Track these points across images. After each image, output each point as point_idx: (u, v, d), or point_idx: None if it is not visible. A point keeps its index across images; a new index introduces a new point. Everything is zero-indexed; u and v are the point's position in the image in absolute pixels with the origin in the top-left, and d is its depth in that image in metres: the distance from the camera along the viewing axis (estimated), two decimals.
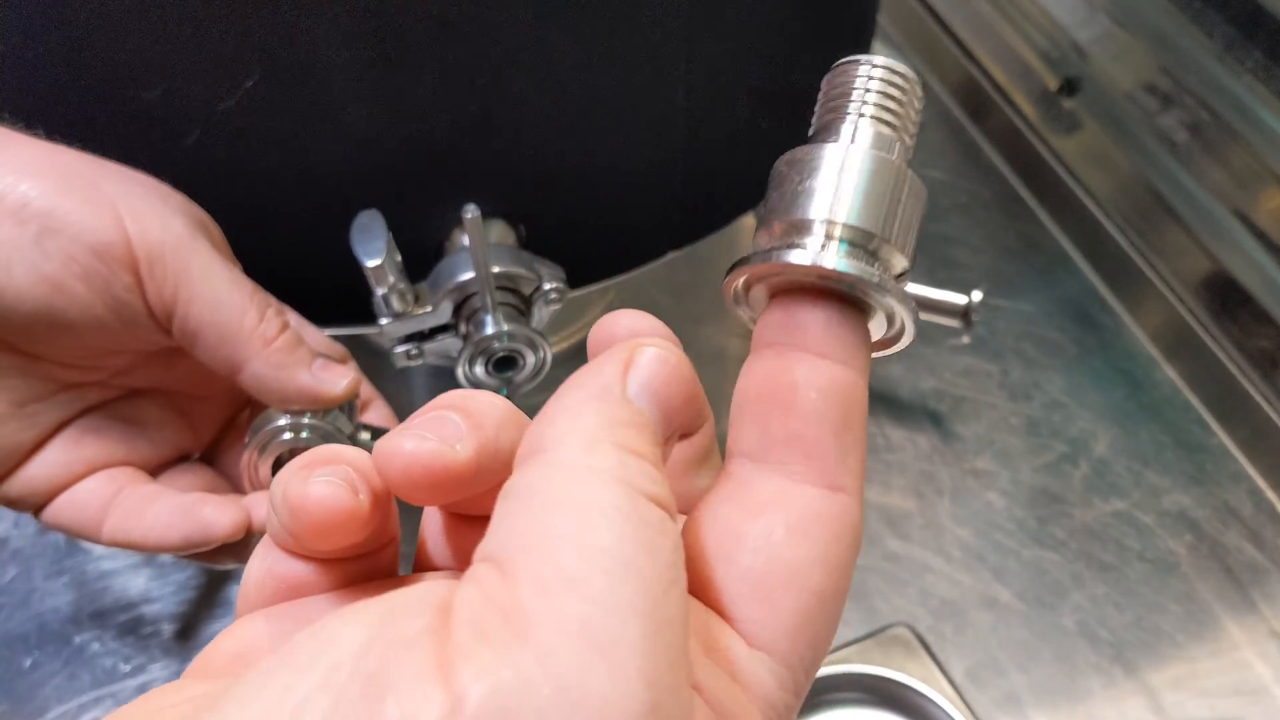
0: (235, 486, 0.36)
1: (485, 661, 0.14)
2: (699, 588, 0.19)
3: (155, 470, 0.34)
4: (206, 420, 0.36)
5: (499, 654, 0.14)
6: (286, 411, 0.34)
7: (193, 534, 0.31)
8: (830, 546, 0.19)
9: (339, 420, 0.35)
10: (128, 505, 0.31)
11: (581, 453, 0.17)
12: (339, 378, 0.33)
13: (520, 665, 0.14)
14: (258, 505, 0.33)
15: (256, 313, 0.31)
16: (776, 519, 0.19)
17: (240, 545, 0.33)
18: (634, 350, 0.19)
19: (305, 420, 0.34)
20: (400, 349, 0.39)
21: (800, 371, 0.19)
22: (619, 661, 0.14)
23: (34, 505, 0.32)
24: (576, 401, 0.18)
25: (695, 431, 0.22)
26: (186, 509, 0.31)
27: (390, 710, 0.14)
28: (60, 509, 0.32)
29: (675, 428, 0.19)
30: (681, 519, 0.20)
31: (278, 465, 0.35)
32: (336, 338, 0.43)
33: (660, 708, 0.14)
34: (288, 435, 0.34)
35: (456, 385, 0.40)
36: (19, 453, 0.31)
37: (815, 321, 0.20)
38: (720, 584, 0.18)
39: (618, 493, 0.16)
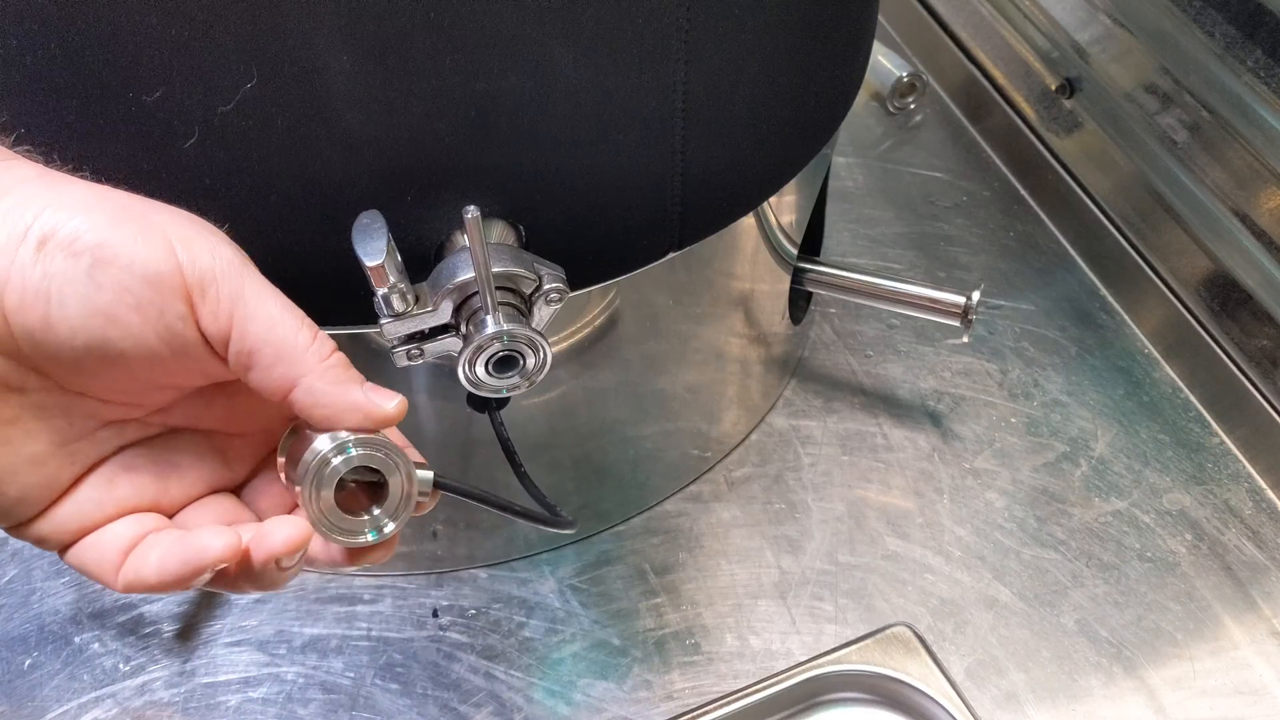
0: (260, 518, 0.35)
1: None
2: None
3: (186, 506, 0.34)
4: (242, 457, 0.36)
5: None
6: (315, 441, 0.32)
7: (189, 558, 0.30)
8: None
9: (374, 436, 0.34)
10: (141, 549, 0.31)
11: None
12: (389, 398, 0.33)
13: None
14: (267, 533, 0.32)
15: (310, 332, 0.31)
16: None
17: (249, 571, 0.32)
18: None
19: (344, 437, 0.32)
20: (400, 349, 0.39)
21: None
22: None
23: (60, 545, 0.32)
24: None
25: None
26: (182, 538, 0.31)
27: None
28: (84, 551, 0.31)
29: None
30: None
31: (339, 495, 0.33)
32: (336, 338, 0.43)
33: None
34: (336, 460, 0.32)
35: (457, 385, 0.40)
36: (56, 491, 0.31)
37: None
38: None
39: None
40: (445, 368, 0.41)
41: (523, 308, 0.40)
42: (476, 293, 0.38)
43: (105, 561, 0.31)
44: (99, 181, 0.30)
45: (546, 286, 0.40)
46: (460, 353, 0.39)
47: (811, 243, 0.63)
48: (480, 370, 0.40)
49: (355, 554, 0.34)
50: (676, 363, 0.54)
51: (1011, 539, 0.58)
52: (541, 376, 0.41)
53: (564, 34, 0.36)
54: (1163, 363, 0.67)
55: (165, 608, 0.54)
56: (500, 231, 0.40)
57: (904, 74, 0.81)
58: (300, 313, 0.32)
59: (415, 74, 0.35)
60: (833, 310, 0.69)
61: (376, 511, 0.33)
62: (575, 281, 0.41)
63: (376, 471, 0.33)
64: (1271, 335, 0.61)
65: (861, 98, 0.83)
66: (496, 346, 0.39)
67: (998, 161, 0.79)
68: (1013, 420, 0.64)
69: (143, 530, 0.32)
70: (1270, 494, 0.60)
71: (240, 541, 0.31)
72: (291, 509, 0.35)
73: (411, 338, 0.39)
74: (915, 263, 0.72)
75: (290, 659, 0.52)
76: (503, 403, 0.43)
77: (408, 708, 0.51)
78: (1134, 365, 0.67)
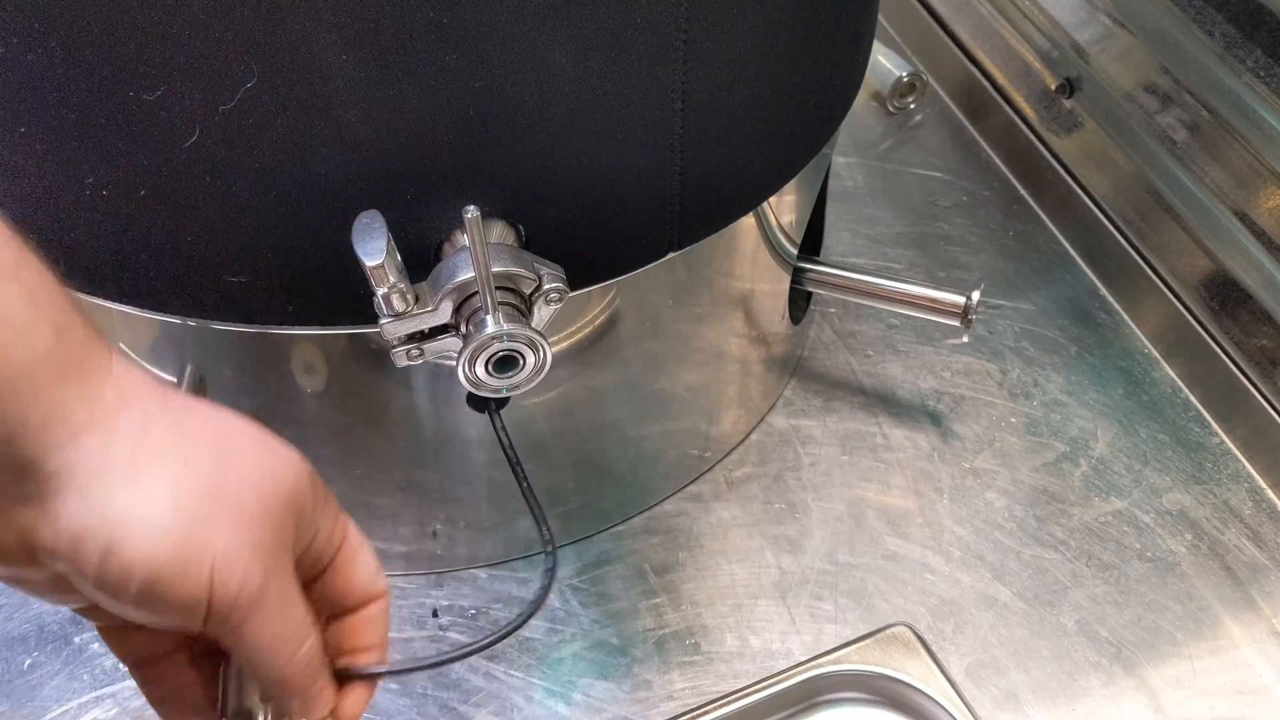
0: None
1: None
2: None
3: None
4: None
5: None
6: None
7: None
8: None
9: None
10: None
11: None
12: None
13: None
14: None
15: (304, 666, 0.33)
16: None
17: None
18: None
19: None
20: (400, 349, 0.39)
21: None
22: None
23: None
24: None
25: None
26: None
27: None
28: None
29: None
30: None
31: None
32: (335, 338, 0.43)
33: None
34: None
35: (457, 385, 0.40)
36: None
37: None
38: None
39: None
40: (445, 368, 0.41)
41: (523, 308, 0.40)
42: (476, 293, 0.38)
43: None
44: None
45: (546, 286, 0.40)
46: (460, 353, 0.39)
47: (811, 243, 0.63)
48: (480, 370, 0.40)
49: None
50: (676, 363, 0.54)
51: (1011, 539, 0.58)
52: (541, 377, 0.41)
53: (564, 34, 0.36)
54: (1163, 363, 0.67)
55: None
56: (500, 231, 0.40)
57: (904, 74, 0.81)
58: (306, 626, 0.33)
59: (415, 73, 0.35)
60: (833, 310, 0.69)
61: None
62: (575, 281, 0.41)
63: None
64: (1271, 335, 0.61)
65: (861, 98, 0.83)
66: (496, 346, 0.39)
67: (998, 161, 0.79)
68: (1013, 420, 0.64)
69: None
70: (1270, 494, 0.60)
71: None
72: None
73: (411, 338, 0.39)
74: (915, 263, 0.72)
75: None
76: (502, 403, 0.43)
77: (408, 708, 0.51)
78: (1134, 365, 0.67)
